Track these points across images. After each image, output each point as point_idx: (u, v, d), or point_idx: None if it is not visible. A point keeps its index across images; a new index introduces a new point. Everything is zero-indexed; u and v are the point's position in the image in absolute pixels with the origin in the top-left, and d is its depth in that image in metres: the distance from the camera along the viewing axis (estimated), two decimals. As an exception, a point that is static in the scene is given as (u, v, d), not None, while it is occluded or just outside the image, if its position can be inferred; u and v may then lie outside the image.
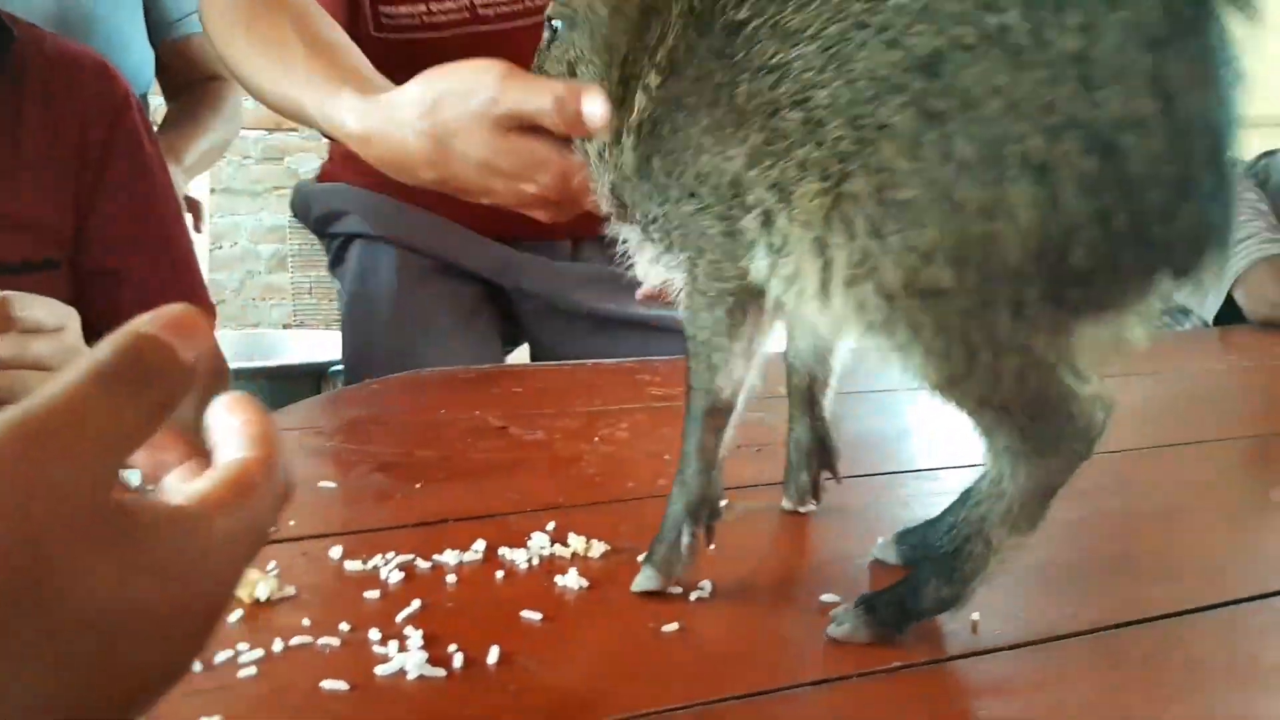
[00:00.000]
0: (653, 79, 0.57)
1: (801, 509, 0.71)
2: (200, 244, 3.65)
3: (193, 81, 1.85)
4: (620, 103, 0.59)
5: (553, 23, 0.64)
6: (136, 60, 1.70)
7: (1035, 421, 0.50)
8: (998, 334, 0.47)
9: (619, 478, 0.77)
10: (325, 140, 1.26)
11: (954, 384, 0.50)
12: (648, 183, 0.58)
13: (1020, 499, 0.50)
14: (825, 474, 0.71)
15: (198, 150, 1.77)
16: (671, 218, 0.57)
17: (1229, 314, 1.79)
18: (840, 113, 0.48)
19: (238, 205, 3.80)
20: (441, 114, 0.74)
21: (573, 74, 0.65)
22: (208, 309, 1.19)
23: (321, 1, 1.03)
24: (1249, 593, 0.61)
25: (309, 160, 3.82)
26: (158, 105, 1.90)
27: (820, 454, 0.70)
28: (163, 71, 1.82)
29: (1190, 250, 0.48)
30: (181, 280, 1.17)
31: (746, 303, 0.56)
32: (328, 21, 0.96)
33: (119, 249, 1.12)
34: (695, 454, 0.58)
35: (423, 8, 1.15)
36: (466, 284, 1.28)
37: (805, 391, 0.69)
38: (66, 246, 1.09)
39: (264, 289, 3.85)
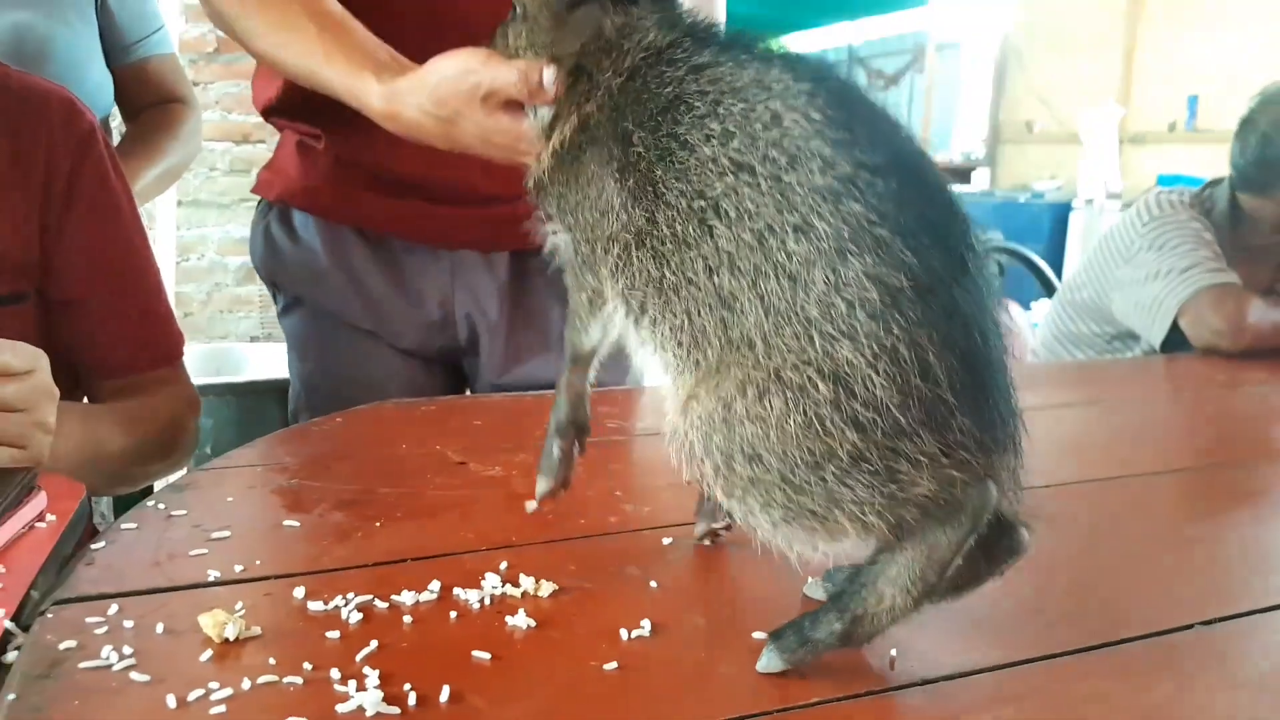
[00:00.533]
0: (570, 126, 0.68)
1: (715, 525, 0.77)
2: (167, 256, 3.66)
3: (152, 104, 1.87)
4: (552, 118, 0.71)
5: (515, 6, 0.77)
6: (94, 84, 1.72)
7: (910, 520, 0.54)
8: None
9: (571, 515, 0.81)
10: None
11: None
12: (549, 196, 0.69)
13: (908, 565, 0.55)
14: None
15: (151, 175, 1.80)
16: (561, 225, 0.68)
17: (1179, 339, 1.85)
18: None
19: (205, 217, 3.81)
20: (444, 99, 0.89)
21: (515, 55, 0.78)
22: (176, 338, 1.21)
23: None
24: (1146, 630, 0.66)
25: (278, 173, 3.83)
26: (118, 126, 1.93)
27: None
28: (121, 94, 1.83)
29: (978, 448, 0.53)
30: (150, 310, 1.19)
31: (608, 301, 0.66)
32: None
33: (87, 280, 1.14)
34: (564, 389, 0.72)
35: None
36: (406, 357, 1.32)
37: None
38: (34, 279, 1.11)
39: (231, 301, 3.86)
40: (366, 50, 1.00)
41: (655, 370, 0.62)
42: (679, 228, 0.58)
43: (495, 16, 0.88)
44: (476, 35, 0.89)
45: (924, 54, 8.80)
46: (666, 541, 0.77)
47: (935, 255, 0.53)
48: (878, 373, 0.51)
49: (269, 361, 2.65)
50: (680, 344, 0.58)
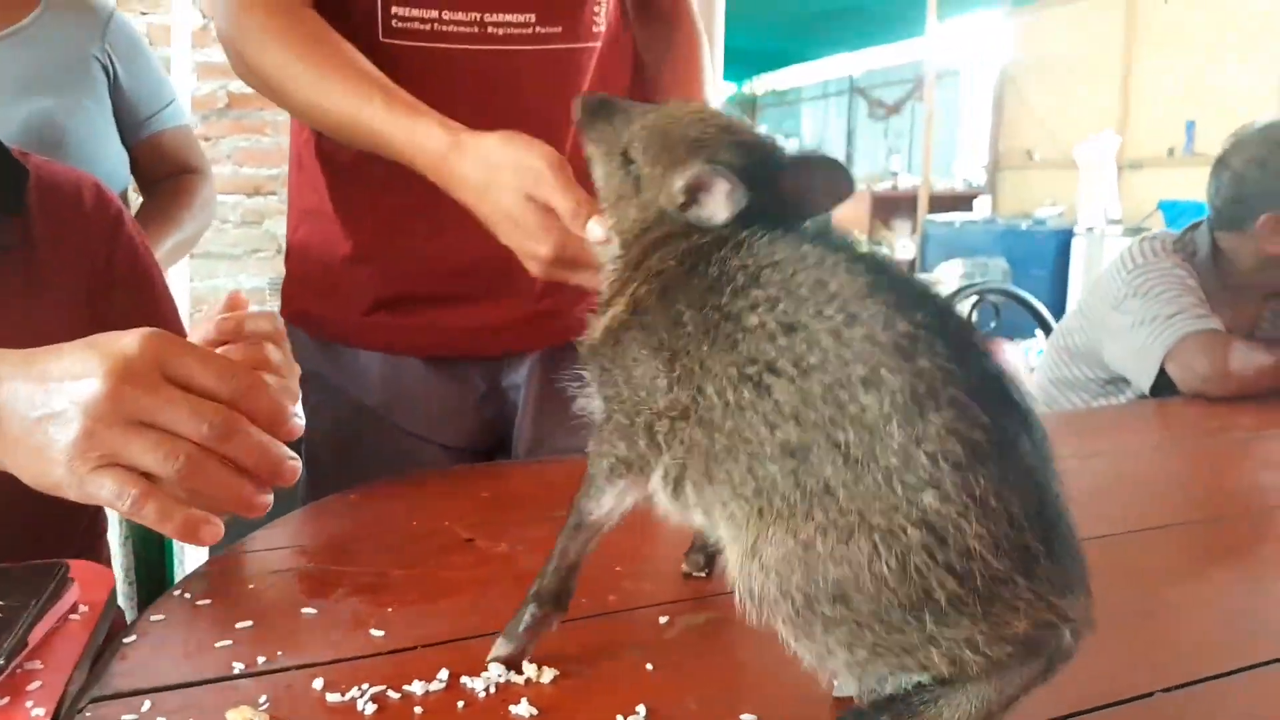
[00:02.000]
0: (622, 305, 0.70)
1: (696, 573, 0.88)
2: (181, 308, 3.72)
3: (167, 175, 1.93)
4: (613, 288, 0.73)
5: (630, 156, 0.75)
6: (112, 164, 1.78)
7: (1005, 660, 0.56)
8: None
9: (575, 596, 0.85)
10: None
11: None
12: (593, 365, 0.71)
13: (978, 695, 0.57)
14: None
15: (167, 246, 1.85)
16: (599, 393, 0.70)
17: (1169, 383, 1.89)
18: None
19: (217, 269, 3.88)
20: (499, 171, 0.97)
21: (614, 202, 0.77)
22: None
23: (333, 5, 1.17)
24: (1108, 699, 0.70)
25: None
26: (137, 201, 1.99)
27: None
28: (137, 168, 1.89)
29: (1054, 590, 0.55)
30: None
31: (632, 471, 0.69)
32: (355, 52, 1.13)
33: None
34: (558, 556, 0.72)
35: (434, 14, 1.20)
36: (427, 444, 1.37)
37: None
38: None
39: (244, 350, 3.94)
40: (424, 106, 1.06)
41: (710, 528, 0.64)
42: (730, 396, 0.60)
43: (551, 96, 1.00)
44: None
45: (924, 83, 8.88)
46: (663, 620, 0.82)
47: (1002, 411, 0.55)
48: (970, 521, 0.53)
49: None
50: (743, 498, 0.60)
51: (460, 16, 1.20)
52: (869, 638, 0.56)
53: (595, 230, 0.80)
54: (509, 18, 1.21)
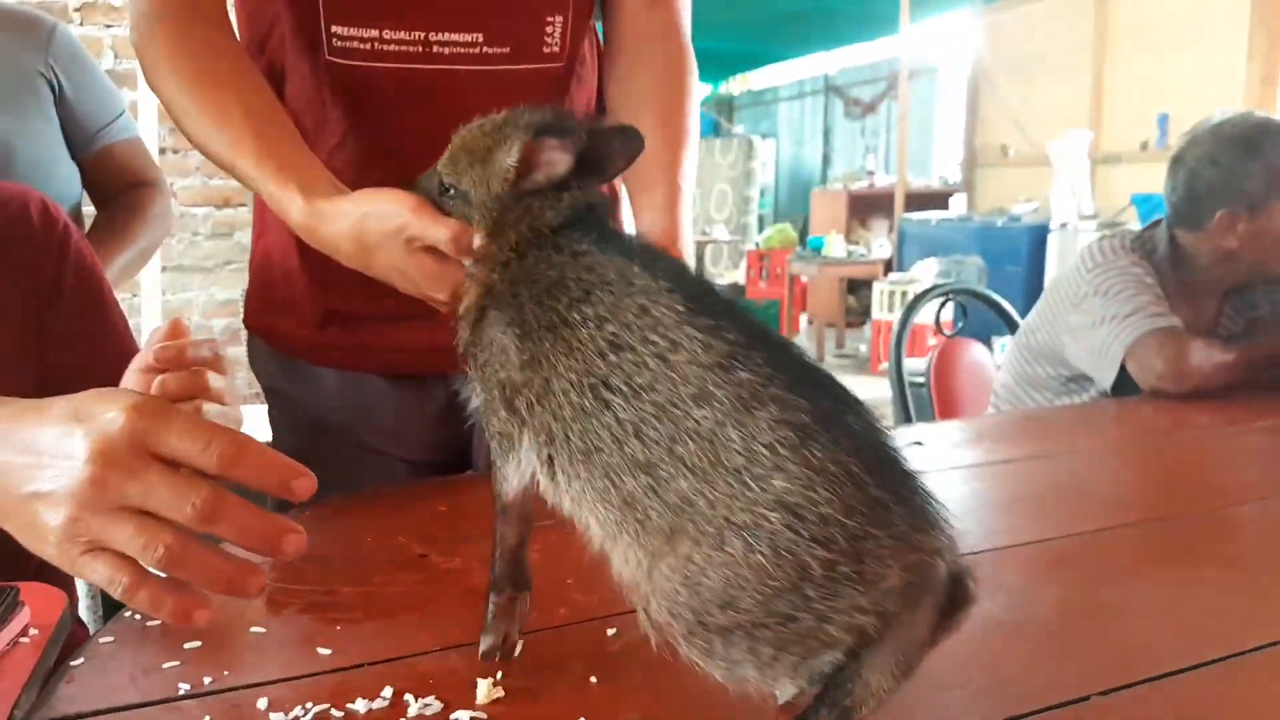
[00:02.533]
0: (476, 293, 0.75)
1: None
2: (153, 322, 3.70)
3: (120, 189, 1.91)
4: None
5: (445, 183, 0.84)
6: (63, 180, 1.76)
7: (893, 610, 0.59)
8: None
9: (522, 608, 0.86)
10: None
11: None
12: (469, 350, 0.76)
13: (891, 651, 0.59)
14: None
15: (122, 261, 1.83)
16: (476, 381, 0.75)
17: (1130, 381, 1.91)
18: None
19: (189, 282, 3.88)
20: (366, 229, 0.96)
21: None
22: None
23: (276, 22, 1.17)
24: (1043, 704, 0.72)
25: (260, 233, 3.91)
26: (90, 213, 1.97)
27: None
28: (89, 182, 1.86)
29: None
30: None
31: (511, 443, 0.72)
32: (262, 83, 1.11)
33: (77, 370, 1.18)
34: (499, 543, 0.78)
35: (375, 33, 1.18)
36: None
37: None
38: (32, 378, 1.16)
39: (219, 362, 3.93)
40: (296, 160, 1.05)
41: (588, 528, 0.67)
42: (575, 398, 0.65)
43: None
44: None
45: (898, 82, 8.92)
46: (610, 633, 0.83)
47: (823, 397, 0.60)
48: (817, 490, 0.57)
49: (259, 422, 2.70)
50: (612, 505, 0.64)
51: (403, 36, 1.19)
52: (768, 634, 0.59)
53: (479, 242, 0.81)
54: (455, 37, 1.21)
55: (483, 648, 0.77)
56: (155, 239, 1.94)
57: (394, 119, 1.07)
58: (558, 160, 0.75)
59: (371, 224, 0.95)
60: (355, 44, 1.18)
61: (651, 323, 0.64)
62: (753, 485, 0.58)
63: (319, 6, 1.17)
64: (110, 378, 1.21)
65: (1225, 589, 0.97)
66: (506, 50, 1.22)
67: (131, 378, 1.00)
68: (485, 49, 1.21)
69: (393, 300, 1.30)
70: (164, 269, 3.72)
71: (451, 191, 0.83)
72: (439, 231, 0.87)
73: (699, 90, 1.33)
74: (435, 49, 1.19)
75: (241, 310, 1.46)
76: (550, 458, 0.68)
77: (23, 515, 0.65)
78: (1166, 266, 2.02)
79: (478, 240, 0.80)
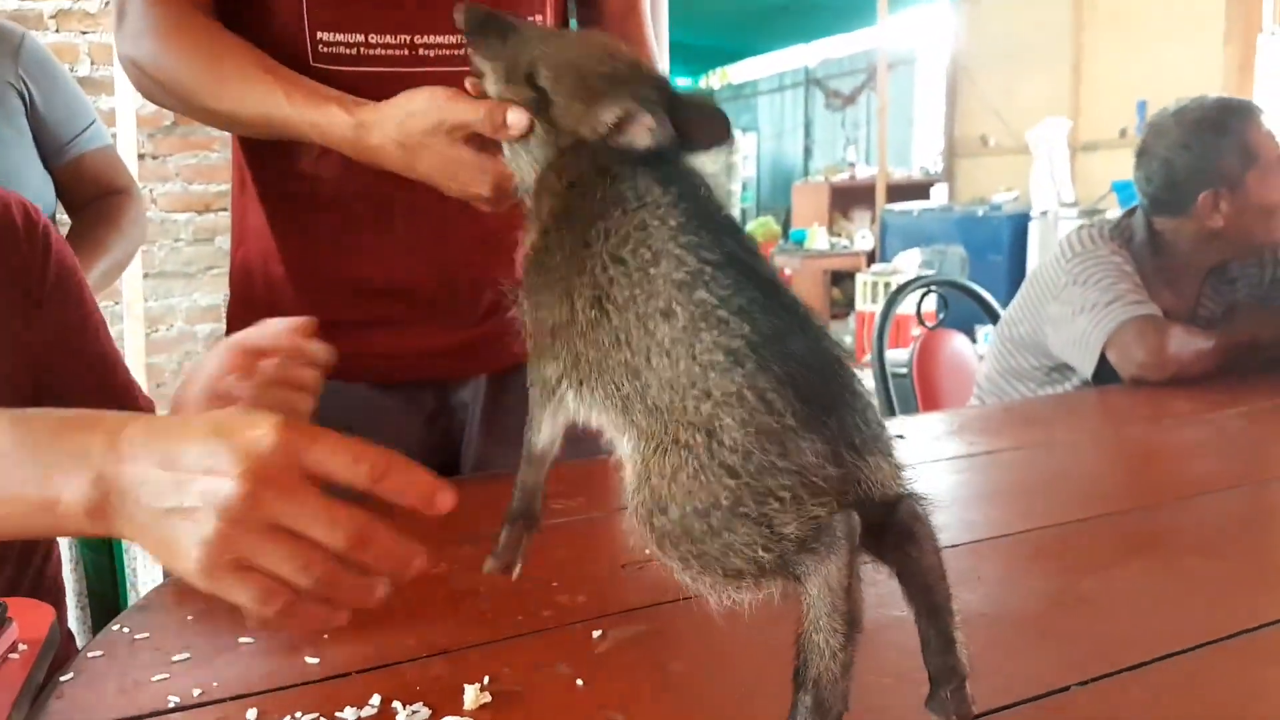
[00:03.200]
0: (535, 231, 0.77)
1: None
2: (136, 329, 3.69)
3: (93, 198, 1.91)
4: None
5: (538, 82, 0.81)
6: (35, 190, 1.76)
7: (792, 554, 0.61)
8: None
9: (508, 612, 0.87)
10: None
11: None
12: (523, 294, 0.78)
13: (818, 606, 0.60)
14: None
15: (98, 271, 1.83)
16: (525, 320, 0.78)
17: (1111, 370, 1.93)
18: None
19: (172, 288, 3.86)
20: (409, 130, 1.01)
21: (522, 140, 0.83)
22: (145, 404, 1.26)
23: (261, 29, 1.19)
24: (1024, 695, 0.73)
25: (241, 238, 3.90)
26: (65, 222, 1.97)
27: None
28: (62, 192, 1.86)
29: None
30: (120, 389, 1.23)
31: (549, 390, 0.75)
32: (257, 49, 1.15)
33: (61, 373, 1.19)
34: (519, 486, 0.83)
35: (361, 38, 1.19)
36: None
37: None
38: (27, 383, 1.16)
39: (202, 367, 3.92)
40: (326, 90, 1.10)
41: (614, 440, 0.71)
42: (590, 312, 0.69)
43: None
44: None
45: (878, 73, 8.93)
46: (596, 634, 0.83)
47: (765, 322, 0.63)
48: (733, 419, 0.61)
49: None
50: (616, 406, 0.68)
51: (389, 39, 1.20)
52: (684, 549, 0.63)
53: (518, 121, 0.82)
54: (439, 39, 1.21)
55: (487, 567, 0.82)
56: (131, 247, 1.94)
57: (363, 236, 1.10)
58: (644, 137, 0.75)
59: (413, 123, 1.00)
60: (341, 49, 1.20)
61: (644, 236, 0.68)
62: (690, 405, 0.62)
63: (304, 13, 1.18)
64: (97, 377, 1.21)
65: (1203, 577, 0.99)
66: None
67: (223, 356, 1.02)
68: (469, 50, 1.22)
69: (379, 305, 1.31)
70: (145, 276, 3.70)
71: (539, 94, 0.81)
72: (471, 112, 0.91)
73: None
74: (421, 51, 1.21)
75: (223, 316, 1.46)
76: (580, 382, 0.71)
77: (160, 531, 0.63)
78: (1146, 253, 2.04)
79: (514, 116, 0.82)
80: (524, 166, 0.83)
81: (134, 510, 0.64)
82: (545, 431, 0.78)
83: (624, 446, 0.68)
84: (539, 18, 1.27)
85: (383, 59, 1.21)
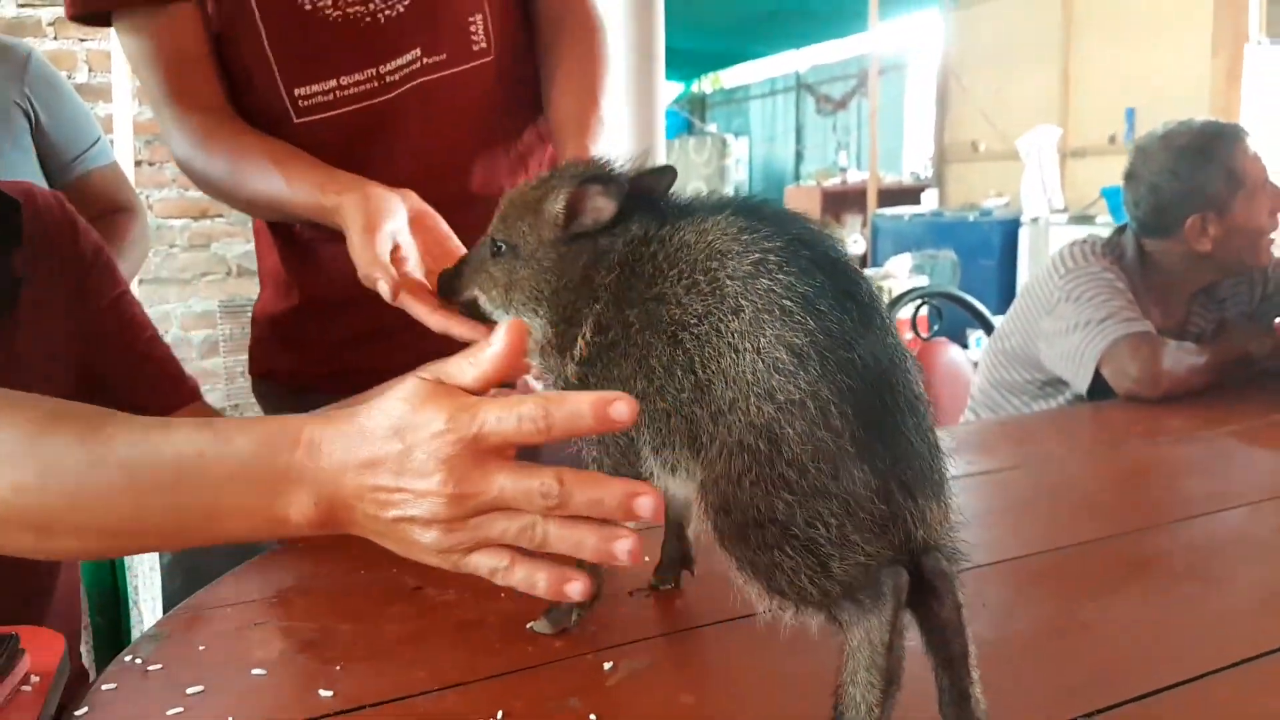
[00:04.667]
0: (589, 330, 0.78)
1: (663, 587, 0.96)
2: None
3: (97, 215, 1.90)
4: (561, 336, 0.81)
5: (497, 242, 0.86)
6: None
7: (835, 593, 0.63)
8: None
9: (518, 641, 0.88)
10: (249, 225, 1.39)
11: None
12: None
13: (859, 660, 0.62)
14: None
15: None
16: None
17: (1105, 384, 1.94)
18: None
19: (167, 294, 3.86)
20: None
21: (508, 292, 0.85)
22: (192, 380, 1.27)
23: (250, 100, 1.21)
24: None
25: (235, 245, 3.91)
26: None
27: (682, 559, 0.96)
28: None
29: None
30: (166, 370, 1.24)
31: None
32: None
33: (113, 361, 1.20)
34: None
35: (334, 82, 1.21)
36: None
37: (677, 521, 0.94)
38: (72, 378, 1.16)
39: (198, 374, 3.89)
40: (315, 174, 1.11)
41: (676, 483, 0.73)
42: (666, 353, 0.70)
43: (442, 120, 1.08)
44: None
45: (869, 78, 8.96)
46: (607, 666, 0.84)
47: (831, 318, 0.63)
48: (794, 430, 0.60)
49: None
50: (684, 436, 0.69)
51: (358, 76, 1.23)
52: (739, 552, 0.64)
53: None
54: (399, 61, 1.24)
55: (538, 627, 0.89)
56: (134, 265, 1.94)
57: (359, 154, 1.11)
58: (603, 206, 0.79)
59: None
60: (318, 98, 1.22)
61: (707, 242, 0.70)
62: (753, 406, 0.63)
63: (275, 75, 1.20)
64: (140, 370, 1.21)
65: (1202, 602, 1.00)
66: (443, 57, 1.26)
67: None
68: (425, 60, 1.25)
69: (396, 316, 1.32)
70: (141, 282, 3.70)
71: (502, 249, 0.86)
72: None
73: (608, 52, 1.38)
74: (388, 79, 1.23)
75: (219, 321, 1.48)
76: (657, 448, 0.73)
77: (396, 534, 0.70)
78: (1136, 270, 2.06)
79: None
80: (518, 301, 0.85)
81: (362, 520, 0.71)
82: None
83: (691, 468, 0.70)
84: (479, 15, 1.27)
85: (356, 96, 1.24)
